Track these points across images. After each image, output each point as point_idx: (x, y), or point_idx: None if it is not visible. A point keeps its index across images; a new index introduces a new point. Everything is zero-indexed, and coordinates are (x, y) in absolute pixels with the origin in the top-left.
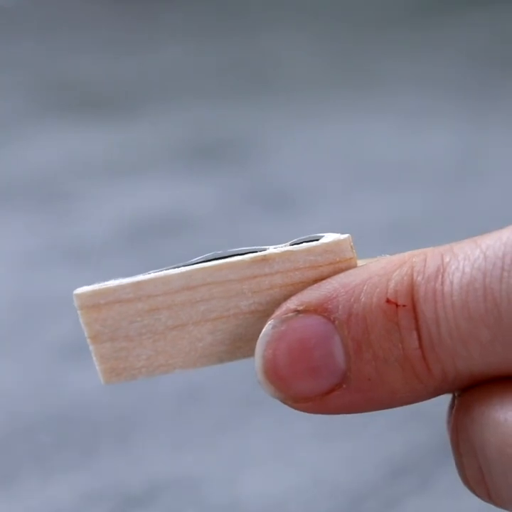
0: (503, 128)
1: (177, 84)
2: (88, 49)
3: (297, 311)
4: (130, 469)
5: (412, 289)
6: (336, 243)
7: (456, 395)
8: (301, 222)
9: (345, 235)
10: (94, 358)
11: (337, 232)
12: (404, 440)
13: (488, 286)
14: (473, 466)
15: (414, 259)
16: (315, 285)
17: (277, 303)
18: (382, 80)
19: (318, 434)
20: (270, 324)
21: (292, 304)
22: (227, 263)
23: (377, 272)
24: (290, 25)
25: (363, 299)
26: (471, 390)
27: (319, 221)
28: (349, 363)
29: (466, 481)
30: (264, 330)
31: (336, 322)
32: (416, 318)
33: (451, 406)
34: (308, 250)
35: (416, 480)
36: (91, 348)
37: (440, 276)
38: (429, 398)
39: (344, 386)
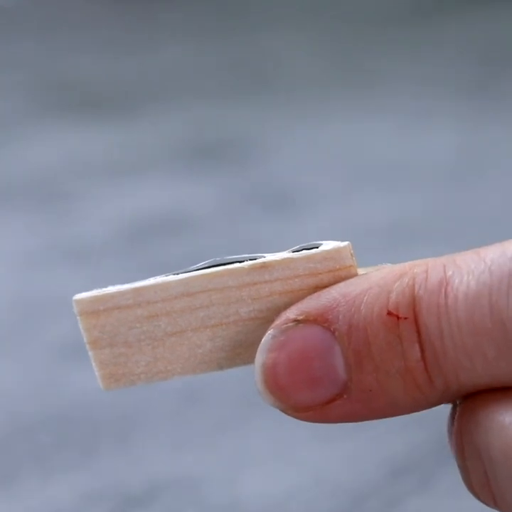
0: (503, 128)
1: (177, 84)
2: (88, 49)
3: (297, 321)
4: (130, 469)
5: (413, 301)
6: (336, 250)
7: (457, 402)
8: (301, 222)
9: (345, 243)
10: (93, 364)
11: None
12: (405, 440)
13: (494, 302)
14: (478, 471)
15: (415, 270)
16: (315, 294)
17: (277, 310)
18: (382, 80)
19: (318, 434)
20: (270, 334)
21: (292, 313)
22: (226, 270)
23: (377, 282)
24: (290, 25)
25: (363, 310)
26: (475, 396)
27: (319, 221)
28: (350, 374)
29: (471, 486)
30: (263, 339)
31: (336, 333)
32: (418, 331)
33: (452, 414)
34: (307, 257)
35: (417, 480)
36: (90, 353)
37: (443, 290)
38: (430, 407)
39: (345, 396)
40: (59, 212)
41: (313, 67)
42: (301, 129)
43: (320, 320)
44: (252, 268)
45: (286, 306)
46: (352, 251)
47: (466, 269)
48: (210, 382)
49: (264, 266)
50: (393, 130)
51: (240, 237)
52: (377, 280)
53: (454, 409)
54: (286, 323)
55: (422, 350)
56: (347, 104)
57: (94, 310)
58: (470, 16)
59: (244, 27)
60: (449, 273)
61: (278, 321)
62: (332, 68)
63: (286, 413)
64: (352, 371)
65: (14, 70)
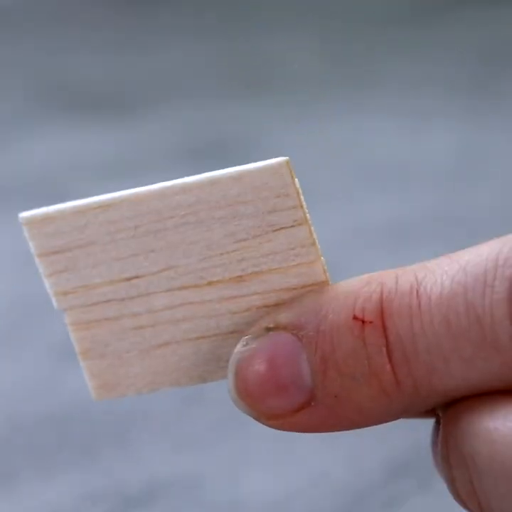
0: (503, 128)
1: (177, 85)
2: (88, 49)
3: (268, 329)
4: (130, 469)
5: (381, 306)
6: (309, 266)
7: (440, 414)
8: None
9: (319, 259)
10: (85, 375)
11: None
12: (405, 439)
13: (470, 301)
14: (464, 479)
15: (384, 277)
16: (286, 304)
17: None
18: (382, 79)
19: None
20: (242, 342)
21: (264, 322)
22: (207, 282)
23: (346, 289)
24: (290, 24)
25: (330, 317)
26: (460, 402)
27: (319, 221)
28: (316, 381)
29: (457, 495)
30: (236, 348)
31: (304, 340)
32: (385, 335)
33: (436, 427)
34: (282, 272)
35: (417, 479)
36: (82, 364)
37: (415, 292)
38: (401, 416)
39: (312, 404)
40: None
41: (313, 67)
42: (301, 129)
43: (290, 328)
44: (231, 280)
45: None
46: (325, 267)
47: (440, 271)
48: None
49: (242, 279)
50: (393, 130)
51: None
52: (345, 288)
53: (437, 422)
54: (258, 332)
55: (390, 354)
56: (347, 104)
57: (84, 320)
58: (470, 16)
59: (244, 27)
60: (421, 276)
61: (250, 330)
62: (332, 68)
63: (259, 421)
64: (317, 378)
65: (14, 70)
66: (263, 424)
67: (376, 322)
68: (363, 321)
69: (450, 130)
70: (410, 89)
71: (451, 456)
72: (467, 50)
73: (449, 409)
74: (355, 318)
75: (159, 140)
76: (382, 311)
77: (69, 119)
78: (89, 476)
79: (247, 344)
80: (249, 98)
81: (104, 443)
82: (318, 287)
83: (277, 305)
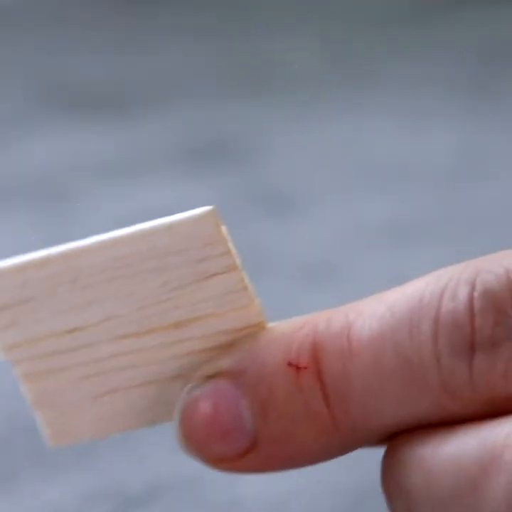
0: (503, 128)
1: (177, 85)
2: (88, 49)
3: (209, 377)
4: (131, 469)
5: (314, 349)
6: (244, 310)
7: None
8: (300, 222)
9: (255, 300)
10: (38, 424)
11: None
12: None
13: (397, 342)
14: (403, 508)
15: (317, 319)
16: (226, 349)
17: (197, 368)
18: (382, 79)
19: None
20: (185, 390)
21: (205, 369)
22: (146, 330)
23: (281, 333)
24: (290, 25)
25: (266, 362)
26: (397, 436)
27: (319, 221)
28: (257, 425)
29: None
30: (180, 396)
31: (244, 386)
32: (320, 379)
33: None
34: (218, 317)
35: None
36: (35, 413)
37: (346, 335)
38: (346, 452)
39: (256, 448)
40: (59, 212)
41: (313, 67)
42: (301, 129)
43: (229, 375)
44: (170, 326)
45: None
46: (261, 309)
47: (368, 312)
48: None
49: (180, 324)
50: (393, 130)
51: (240, 238)
52: (281, 331)
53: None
54: (200, 379)
55: (325, 396)
56: (347, 104)
57: (34, 372)
58: (471, 16)
59: (244, 27)
60: (351, 318)
61: (192, 378)
62: (332, 68)
63: (208, 466)
64: (258, 422)
65: (14, 70)
66: (212, 468)
67: (310, 366)
68: (298, 367)
69: (450, 130)
70: (410, 89)
71: (391, 488)
72: (467, 50)
73: (388, 443)
74: (289, 363)
75: (159, 140)
76: (315, 354)
77: (69, 119)
78: (91, 476)
79: (189, 393)
80: (249, 98)
81: (106, 443)
82: (256, 329)
83: (218, 347)
